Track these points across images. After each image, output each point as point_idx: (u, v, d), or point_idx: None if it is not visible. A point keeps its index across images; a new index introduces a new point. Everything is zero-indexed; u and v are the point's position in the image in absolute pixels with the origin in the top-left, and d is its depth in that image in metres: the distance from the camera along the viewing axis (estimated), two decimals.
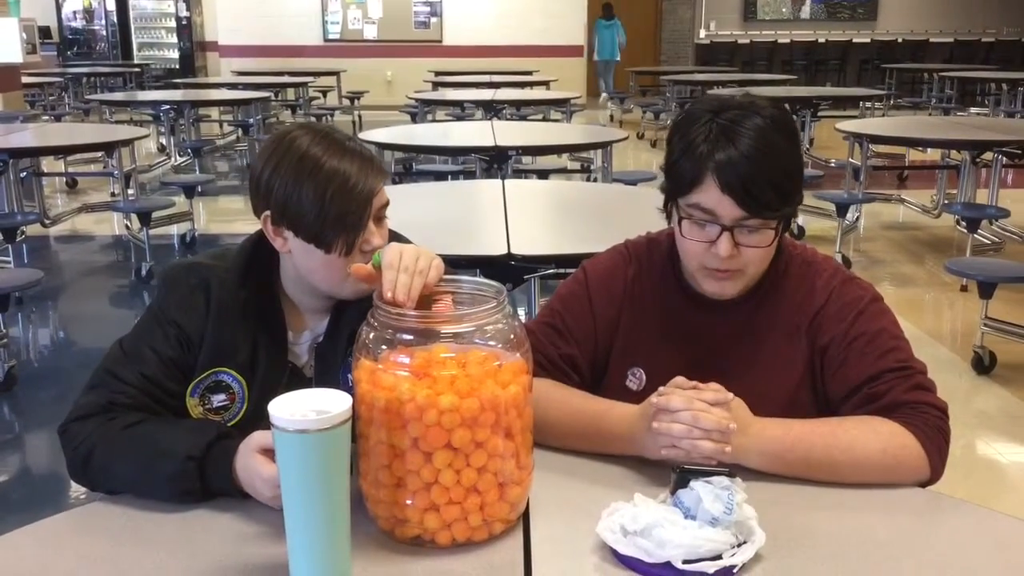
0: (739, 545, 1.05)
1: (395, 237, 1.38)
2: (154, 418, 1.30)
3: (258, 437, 1.16)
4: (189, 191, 6.30)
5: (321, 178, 1.27)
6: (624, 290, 1.46)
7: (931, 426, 1.26)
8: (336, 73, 13.24)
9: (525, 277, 2.69)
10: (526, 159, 6.52)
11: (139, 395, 1.30)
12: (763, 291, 1.40)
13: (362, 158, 1.31)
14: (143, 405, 1.30)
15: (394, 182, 5.59)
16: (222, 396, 1.35)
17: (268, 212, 1.32)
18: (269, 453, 1.12)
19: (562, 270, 2.45)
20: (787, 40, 16.56)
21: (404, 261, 1.17)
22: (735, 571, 1.03)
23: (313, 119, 11.08)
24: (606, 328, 1.45)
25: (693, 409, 1.18)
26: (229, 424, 1.34)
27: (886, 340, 1.34)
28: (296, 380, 1.37)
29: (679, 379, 1.24)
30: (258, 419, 1.30)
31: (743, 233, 1.29)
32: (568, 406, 1.35)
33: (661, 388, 1.23)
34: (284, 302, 1.41)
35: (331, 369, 1.38)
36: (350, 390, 1.35)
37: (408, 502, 1.08)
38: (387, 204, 1.36)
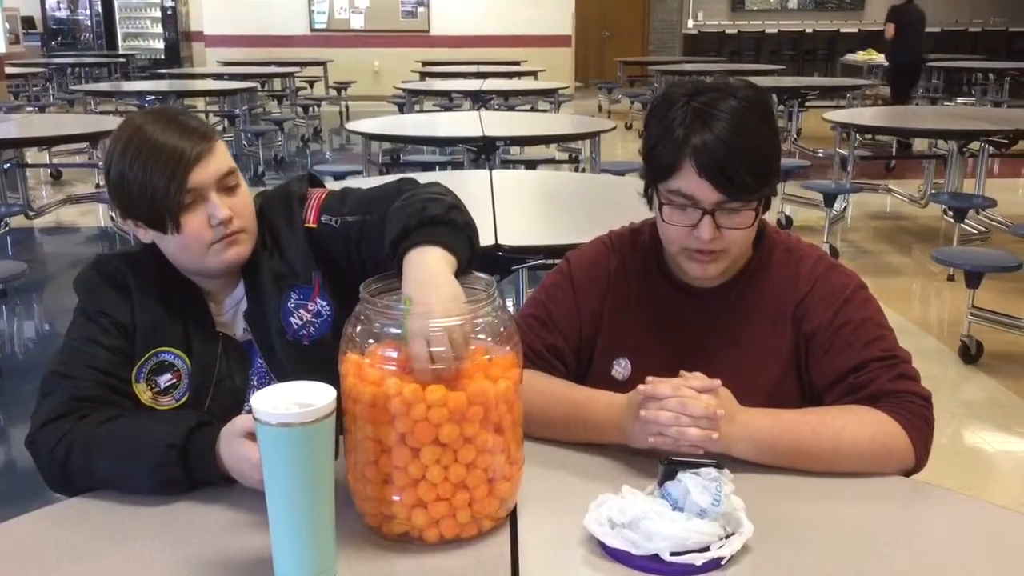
0: (727, 536, 1.04)
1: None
2: (128, 412, 1.29)
3: (241, 422, 1.16)
4: None
5: (129, 163, 1.27)
6: (607, 280, 1.46)
7: (916, 415, 1.27)
8: (323, 63, 13.16)
9: (513, 268, 2.68)
10: (514, 149, 6.52)
11: (96, 386, 1.29)
12: (747, 278, 1.40)
13: (181, 132, 1.28)
14: (103, 397, 1.29)
15: (382, 172, 5.57)
16: (167, 376, 1.34)
17: (118, 210, 1.34)
18: (254, 437, 1.10)
19: (550, 260, 2.44)
20: (775, 30, 16.56)
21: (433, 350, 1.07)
22: (723, 563, 1.03)
23: (300, 109, 11.02)
24: (590, 318, 1.45)
25: (681, 396, 1.18)
26: (180, 402, 1.34)
27: (871, 329, 1.34)
28: (233, 349, 1.39)
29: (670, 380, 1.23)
30: (204, 394, 1.33)
31: (724, 215, 1.29)
32: (551, 395, 1.35)
33: (649, 377, 1.23)
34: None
35: (266, 327, 1.38)
36: (297, 330, 1.36)
37: (395, 498, 1.07)
38: (230, 172, 1.33)
